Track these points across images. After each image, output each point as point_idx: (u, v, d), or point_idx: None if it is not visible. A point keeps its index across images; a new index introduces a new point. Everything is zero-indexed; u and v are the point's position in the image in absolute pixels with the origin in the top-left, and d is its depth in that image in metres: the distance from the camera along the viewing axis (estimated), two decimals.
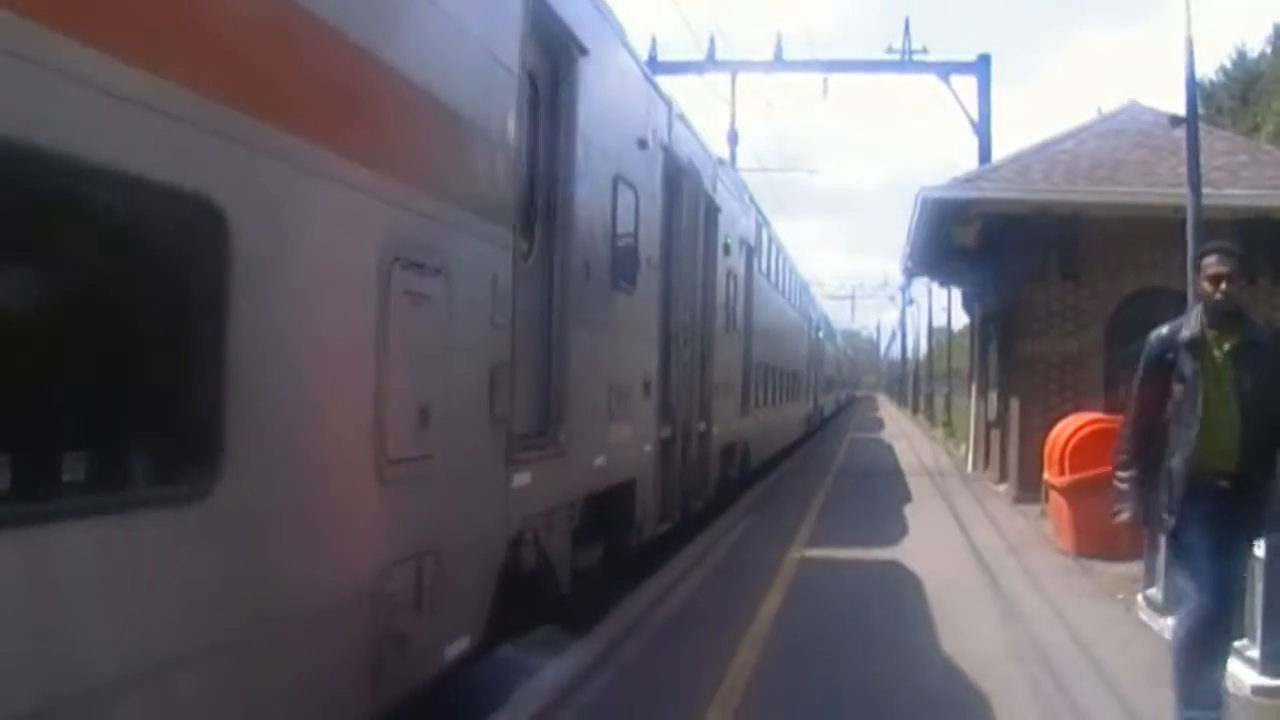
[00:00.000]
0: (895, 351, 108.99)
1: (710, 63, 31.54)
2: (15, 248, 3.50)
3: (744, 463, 22.26)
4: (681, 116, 14.68)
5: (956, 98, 29.45)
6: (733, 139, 34.61)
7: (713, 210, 17.03)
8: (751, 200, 23.60)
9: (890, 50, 31.63)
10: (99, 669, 3.74)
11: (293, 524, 5.03)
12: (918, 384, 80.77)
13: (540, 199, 8.86)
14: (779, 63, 31.84)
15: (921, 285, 56.40)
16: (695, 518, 16.36)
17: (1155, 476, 7.28)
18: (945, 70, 30.48)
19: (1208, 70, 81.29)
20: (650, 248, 12.57)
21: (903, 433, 53.40)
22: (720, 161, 19.45)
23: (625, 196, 11.30)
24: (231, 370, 4.41)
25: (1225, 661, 7.49)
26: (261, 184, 4.70)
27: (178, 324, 4.32)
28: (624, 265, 11.32)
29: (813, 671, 9.20)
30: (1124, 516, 7.52)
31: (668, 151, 13.55)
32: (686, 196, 14.83)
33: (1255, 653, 8.78)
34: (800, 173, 69.81)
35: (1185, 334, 7.27)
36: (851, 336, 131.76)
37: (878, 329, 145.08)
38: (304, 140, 5.00)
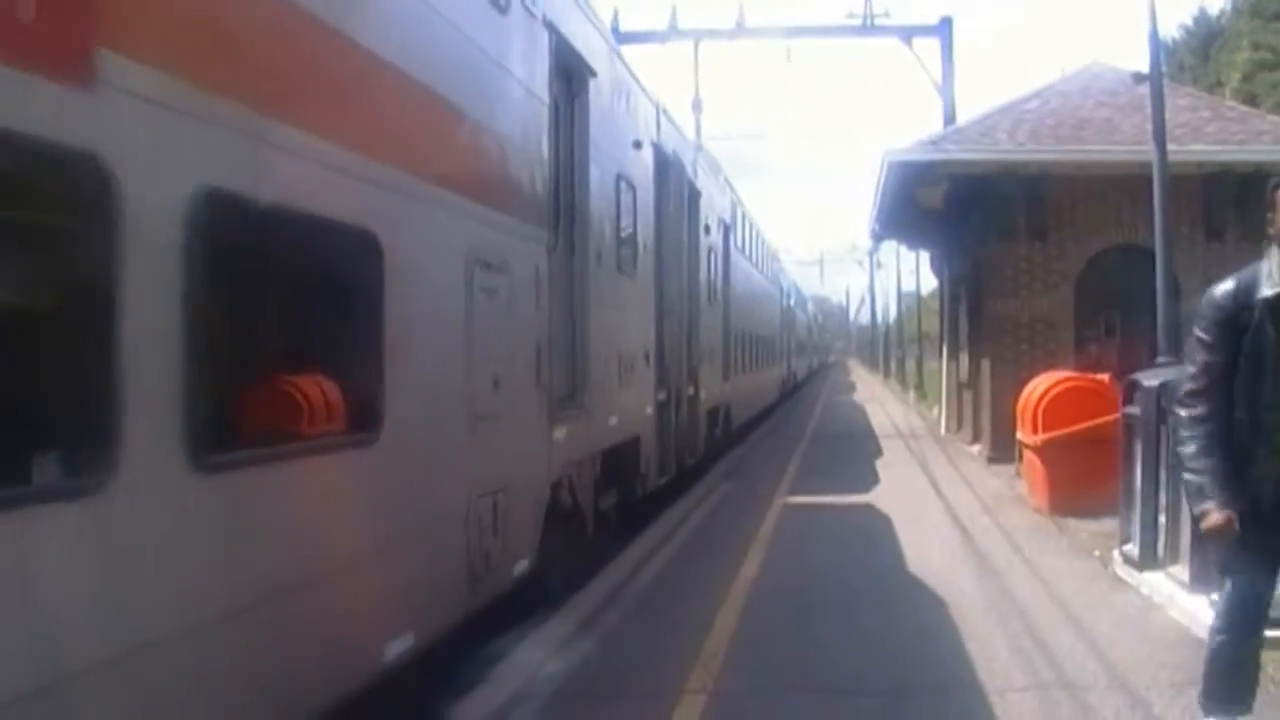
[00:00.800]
0: (865, 316, 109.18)
1: (673, 31, 31.39)
2: (275, 275, 5.89)
3: (727, 423, 24.17)
4: (666, 113, 16.46)
5: (920, 61, 29.42)
6: (697, 107, 34.47)
7: (694, 195, 18.80)
8: (726, 181, 25.42)
9: (851, 15, 31.60)
10: (350, 545, 6.05)
11: (421, 461, 7.00)
12: (888, 348, 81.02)
13: (562, 199, 10.53)
14: (741, 30, 31.71)
15: (890, 249, 56.39)
16: (686, 474, 18.11)
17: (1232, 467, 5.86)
18: (907, 34, 30.44)
19: (1170, 28, 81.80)
20: (645, 235, 14.57)
21: (875, 396, 53.55)
22: (698, 147, 21.29)
23: (626, 192, 13.31)
24: (387, 353, 6.34)
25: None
26: (400, 217, 6.65)
27: (362, 324, 6.24)
28: (626, 252, 13.38)
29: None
30: (1213, 520, 5.84)
31: (657, 148, 15.46)
32: (672, 185, 16.64)
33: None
34: (765, 139, 69.79)
35: (1267, 291, 5.81)
36: (821, 302, 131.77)
37: (847, 294, 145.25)
38: (423, 181, 7.07)
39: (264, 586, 5.14)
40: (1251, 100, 54.55)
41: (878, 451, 24.88)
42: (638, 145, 14.17)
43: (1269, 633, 8.40)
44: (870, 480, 19.57)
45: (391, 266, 6.33)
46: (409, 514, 6.82)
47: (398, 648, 6.57)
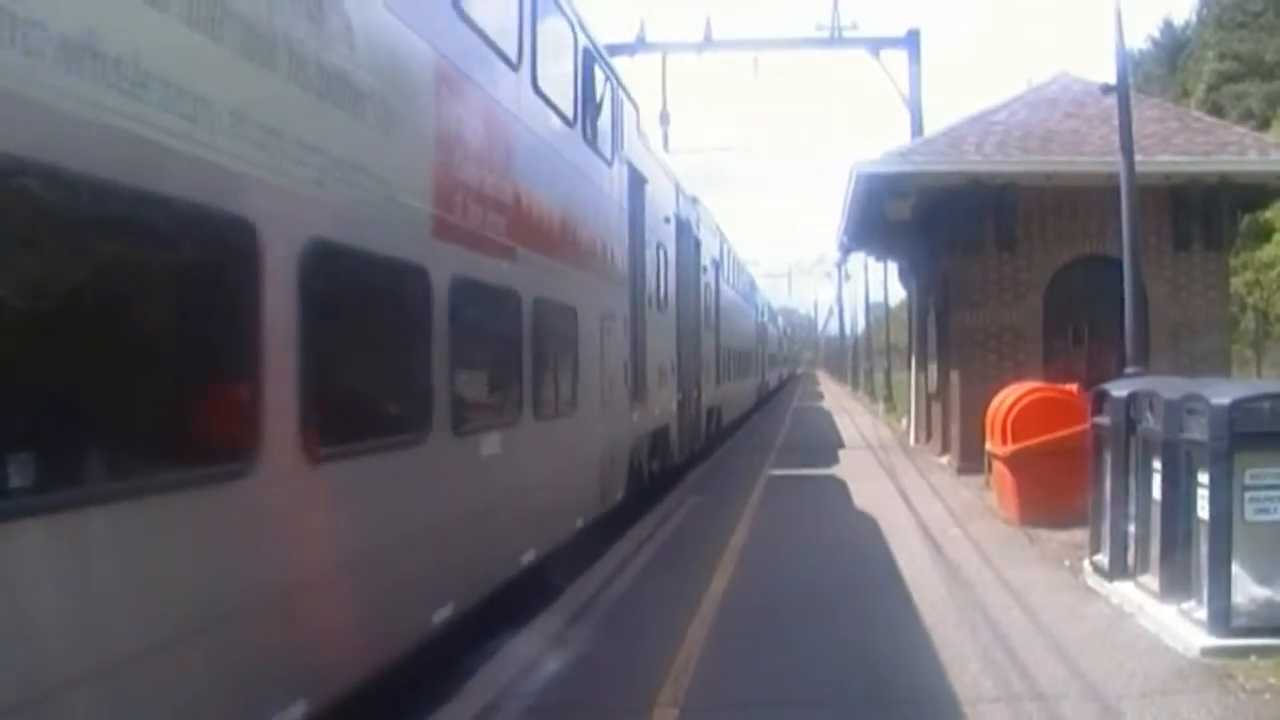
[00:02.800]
0: (834, 328, 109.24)
1: (641, 44, 31.36)
2: (551, 332, 11.52)
3: (718, 421, 30.29)
4: (680, 187, 22.70)
5: (887, 73, 29.49)
6: (664, 121, 34.41)
7: (697, 244, 25.21)
8: (717, 227, 31.27)
9: (819, 27, 31.64)
10: (562, 469, 12.53)
11: (589, 427, 13.42)
12: (856, 359, 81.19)
13: (633, 265, 16.55)
14: (709, 43, 31.68)
15: (859, 261, 56.40)
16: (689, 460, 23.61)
17: None
18: (875, 46, 30.51)
19: (1138, 40, 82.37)
20: (670, 281, 20.79)
21: (843, 408, 53.54)
22: (696, 201, 25.85)
23: (661, 254, 19.63)
24: (581, 369, 12.78)
25: None
26: (583, 295, 12.91)
27: (571, 354, 12.58)
28: (661, 295, 19.65)
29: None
30: None
31: (677, 217, 21.75)
32: (685, 242, 22.92)
33: (1202, 614, 8.86)
34: (733, 151, 69.84)
35: None
36: (789, 314, 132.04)
37: (815, 306, 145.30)
38: (589, 274, 13.37)
39: (519, 483, 10.34)
40: (1217, 110, 54.91)
41: (847, 463, 24.84)
42: (667, 220, 20.44)
43: (1268, 640, 8.51)
44: (840, 492, 19.54)
45: (581, 322, 12.93)
46: (585, 455, 13.43)
47: (579, 523, 12.85)
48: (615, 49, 30.81)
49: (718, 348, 29.93)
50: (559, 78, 12.36)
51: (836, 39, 31.01)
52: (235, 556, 5.41)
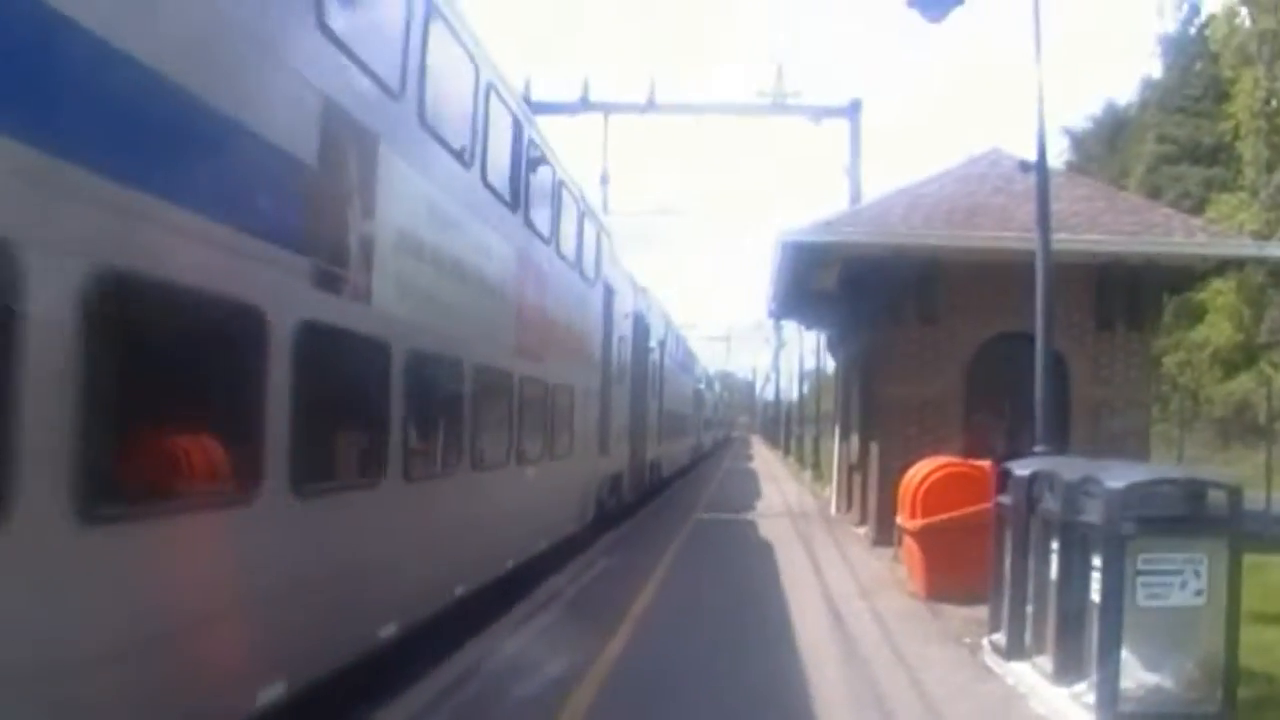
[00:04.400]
0: (771, 392, 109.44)
1: (583, 103, 31.40)
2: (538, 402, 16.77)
3: (659, 472, 36.51)
4: (635, 283, 29.15)
5: (827, 142, 29.70)
6: (604, 181, 34.37)
7: (646, 329, 30.86)
8: (663, 312, 38.44)
9: (762, 93, 31.81)
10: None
11: (579, 468, 19.98)
12: (789, 426, 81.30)
13: (604, 353, 22.89)
14: (652, 105, 31.76)
15: (794, 328, 56.57)
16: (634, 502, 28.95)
17: None
18: (817, 114, 30.75)
19: (1078, 120, 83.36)
20: (627, 360, 26.88)
21: (772, 475, 53.51)
22: (646, 292, 31.94)
23: (621, 342, 25.78)
24: (575, 427, 19.28)
25: None
26: (579, 377, 19.94)
27: (569, 423, 18.92)
28: (620, 372, 25.66)
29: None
30: None
31: (634, 312, 28.21)
32: (638, 328, 28.90)
33: (1091, 697, 8.75)
34: (671, 214, 69.87)
35: None
36: (727, 378, 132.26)
37: (754, 371, 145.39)
38: (581, 363, 20.48)
39: (555, 497, 18.08)
40: (1156, 191, 55.58)
41: (765, 532, 24.70)
42: (626, 315, 26.45)
43: None
44: (752, 560, 19.33)
45: (575, 396, 19.06)
46: (578, 485, 19.89)
47: (572, 529, 19.02)
48: (558, 108, 30.97)
49: (660, 413, 36.36)
50: (570, 238, 18.86)
51: (779, 105, 31.22)
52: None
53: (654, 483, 34.44)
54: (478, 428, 12.48)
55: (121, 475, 5.70)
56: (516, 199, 14.44)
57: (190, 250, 6.29)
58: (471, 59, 12.20)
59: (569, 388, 18.46)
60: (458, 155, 11.73)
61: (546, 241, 16.48)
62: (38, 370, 4.96)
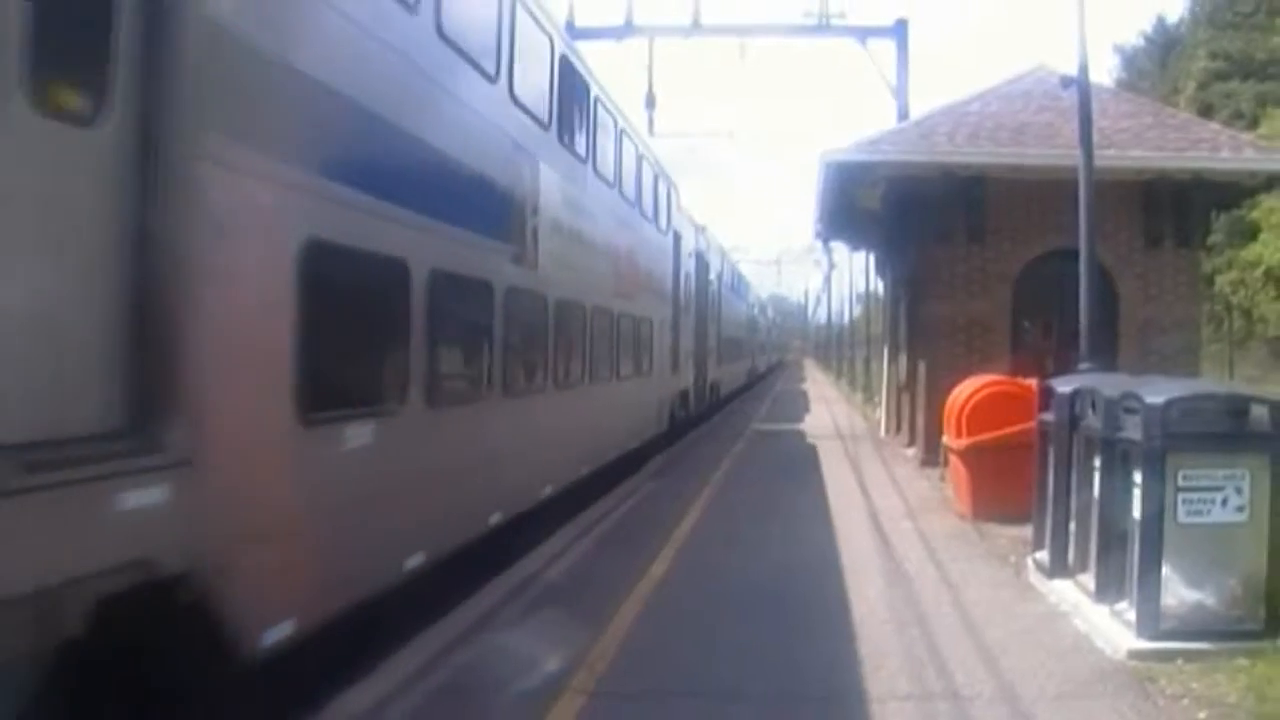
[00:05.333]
0: (824, 315, 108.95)
1: (628, 28, 31.13)
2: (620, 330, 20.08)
3: (718, 392, 40.53)
4: (695, 223, 32.80)
5: (875, 63, 29.26)
6: (650, 104, 34.19)
7: (707, 265, 34.95)
8: (720, 246, 42.51)
9: (808, 15, 31.44)
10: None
11: (657, 384, 24.17)
12: (841, 348, 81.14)
13: (674, 289, 26.75)
14: (696, 28, 31.41)
15: (845, 251, 56.30)
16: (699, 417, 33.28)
17: None
18: (863, 34, 30.28)
19: (1129, 36, 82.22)
20: (692, 294, 30.77)
21: (823, 397, 53.58)
22: (703, 230, 34.90)
23: (686, 278, 29.23)
24: (654, 351, 23.57)
25: None
26: (655, 311, 23.85)
27: (649, 347, 23.33)
28: (686, 304, 29.02)
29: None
30: None
31: (696, 251, 32.07)
32: (699, 264, 32.68)
33: (1132, 615, 8.73)
34: (720, 136, 69.28)
35: None
36: (779, 301, 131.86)
37: (805, 294, 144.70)
38: (657, 298, 24.09)
39: (648, 403, 23.23)
40: (1207, 109, 54.78)
41: (813, 452, 24.77)
42: (690, 255, 30.26)
43: (1195, 644, 8.39)
44: (800, 481, 19.42)
45: (654, 326, 23.20)
46: (657, 397, 23.99)
47: (652, 432, 23.31)
48: (603, 33, 30.74)
49: (719, 338, 40.03)
50: (649, 200, 22.75)
51: (824, 27, 30.71)
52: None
53: (714, 401, 39.04)
54: (593, 353, 17.07)
55: (438, 389, 9.80)
56: (617, 180, 18.98)
57: (464, 253, 10.60)
58: (597, 98, 17.35)
59: (650, 320, 22.71)
60: (580, 159, 16.11)
61: (633, 205, 20.79)
62: (417, 321, 9.16)
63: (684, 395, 29.41)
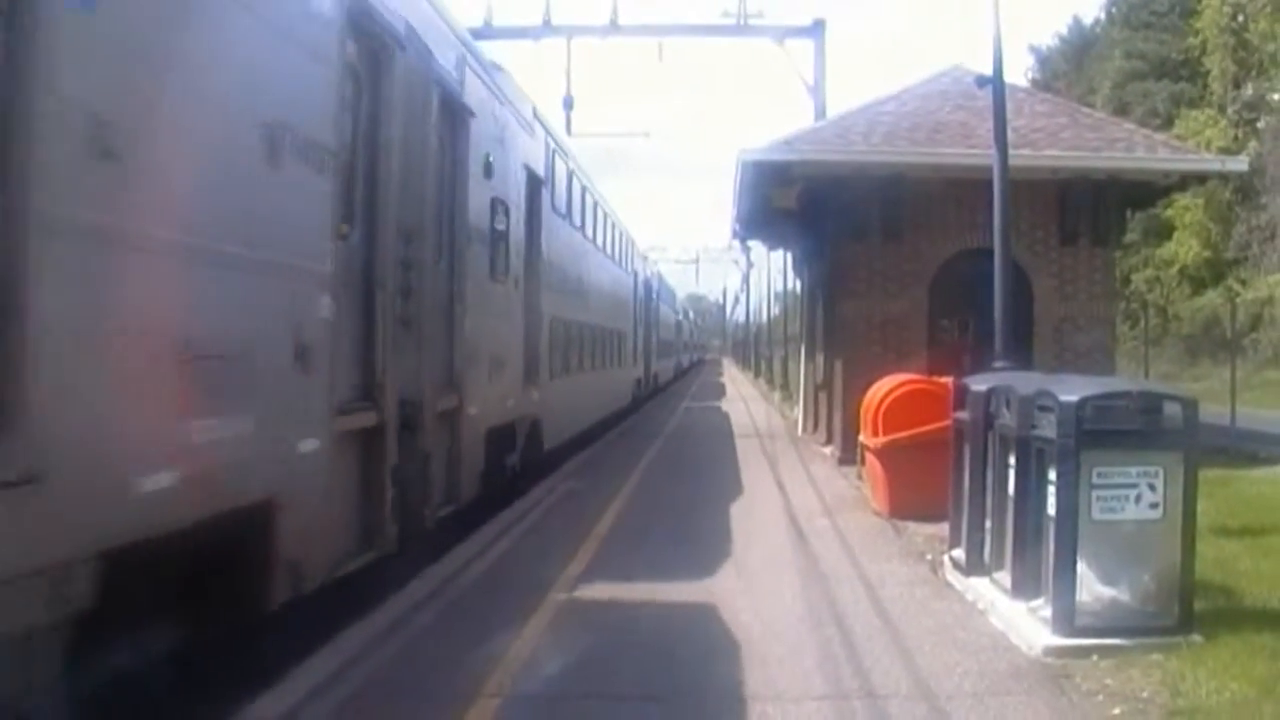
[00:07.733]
0: (741, 315, 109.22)
1: (546, 28, 30.97)
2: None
3: (655, 380, 52.94)
4: (651, 264, 56.72)
5: (792, 63, 29.30)
6: (568, 105, 34.07)
7: (650, 287, 49.53)
8: (658, 271, 61.32)
9: (726, 15, 31.43)
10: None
11: (627, 373, 38.57)
12: (759, 348, 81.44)
13: (633, 308, 41.35)
14: (614, 27, 31.32)
15: (764, 250, 56.53)
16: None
17: None
18: (780, 34, 30.33)
19: (1044, 37, 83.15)
20: (641, 310, 43.81)
21: (741, 396, 53.73)
22: (649, 260, 52.74)
23: (639, 301, 43.63)
24: (623, 350, 36.75)
25: None
26: (621, 324, 36.67)
27: (619, 347, 35.46)
28: (638, 317, 42.64)
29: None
30: None
31: (648, 280, 49.29)
32: (648, 288, 48.38)
33: (1048, 612, 8.73)
34: (637, 136, 69.08)
35: None
36: (697, 301, 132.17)
37: (724, 293, 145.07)
38: (624, 319, 37.56)
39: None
40: (1123, 108, 55.46)
41: (731, 450, 24.76)
42: (645, 283, 46.09)
43: (1110, 640, 8.39)
44: (717, 478, 19.38)
45: (624, 335, 36.06)
46: (627, 381, 38.37)
47: (627, 402, 37.72)
48: (520, 33, 30.58)
49: (657, 340, 52.80)
50: (621, 253, 34.21)
51: (742, 27, 30.70)
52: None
53: (655, 386, 52.49)
54: (603, 352, 29.09)
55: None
56: (599, 239, 28.50)
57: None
58: (595, 202, 28.42)
59: (621, 331, 34.35)
60: (578, 228, 24.76)
61: (612, 259, 31.90)
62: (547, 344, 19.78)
63: (639, 381, 42.81)
